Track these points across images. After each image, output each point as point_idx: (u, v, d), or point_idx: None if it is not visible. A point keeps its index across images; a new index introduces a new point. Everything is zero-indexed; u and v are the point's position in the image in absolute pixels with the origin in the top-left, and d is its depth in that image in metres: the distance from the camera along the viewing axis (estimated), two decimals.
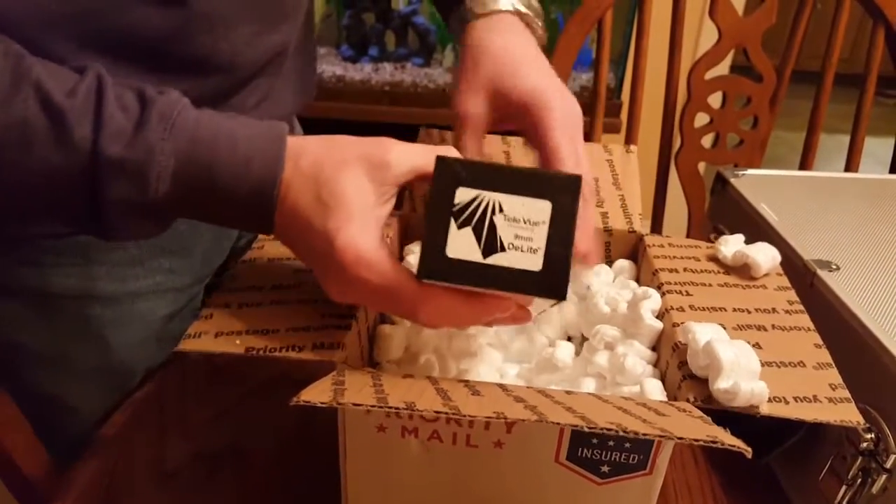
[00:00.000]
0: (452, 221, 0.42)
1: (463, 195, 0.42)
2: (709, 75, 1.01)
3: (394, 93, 1.88)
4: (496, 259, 0.42)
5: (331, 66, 1.91)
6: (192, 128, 0.44)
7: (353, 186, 0.43)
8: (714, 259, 0.60)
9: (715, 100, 1.02)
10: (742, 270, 0.58)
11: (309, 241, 0.44)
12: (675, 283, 0.56)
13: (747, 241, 0.60)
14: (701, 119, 1.03)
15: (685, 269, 0.58)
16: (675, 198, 1.07)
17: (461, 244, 0.42)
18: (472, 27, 0.61)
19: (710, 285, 0.57)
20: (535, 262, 0.41)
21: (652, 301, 0.53)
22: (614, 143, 0.71)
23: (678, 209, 1.08)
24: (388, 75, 1.88)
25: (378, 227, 0.44)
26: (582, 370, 0.53)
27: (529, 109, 0.55)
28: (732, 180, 0.77)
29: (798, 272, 0.62)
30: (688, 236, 1.08)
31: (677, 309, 0.52)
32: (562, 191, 0.42)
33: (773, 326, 0.52)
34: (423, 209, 0.45)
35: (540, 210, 0.42)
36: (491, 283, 0.41)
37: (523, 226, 0.42)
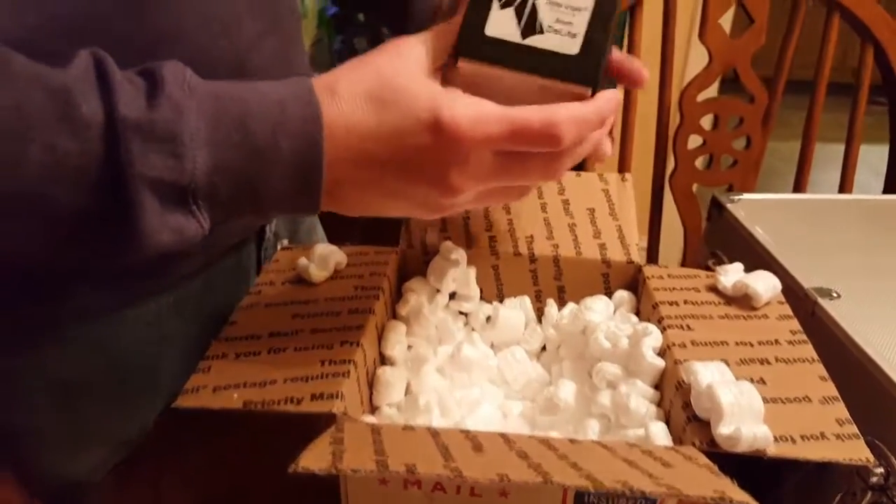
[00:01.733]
0: (496, 1, 0.42)
1: None
2: (700, 97, 1.01)
3: None
4: (534, 41, 0.41)
5: None
6: (210, 85, 0.39)
7: (402, 66, 0.42)
8: (714, 289, 0.59)
9: (707, 121, 1.02)
10: (743, 300, 0.58)
11: (398, 152, 0.41)
12: (676, 317, 0.55)
13: (746, 268, 0.60)
14: (694, 141, 1.03)
15: (685, 302, 0.57)
16: (669, 219, 1.07)
17: (501, 23, 0.41)
18: None
19: (712, 318, 0.56)
20: (572, 47, 0.41)
21: (653, 338, 0.52)
22: (609, 172, 0.71)
23: (674, 229, 1.08)
24: None
25: (453, 88, 0.42)
26: (585, 410, 0.52)
27: None
28: (728, 205, 0.76)
29: (799, 300, 0.61)
30: (684, 258, 1.07)
31: (679, 345, 0.52)
32: None
33: (777, 359, 0.51)
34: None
35: None
36: (525, 64, 0.41)
37: (565, 10, 0.41)
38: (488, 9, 0.42)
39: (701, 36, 0.99)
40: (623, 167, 1.01)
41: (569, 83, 0.42)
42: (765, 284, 0.57)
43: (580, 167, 0.72)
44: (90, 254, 0.42)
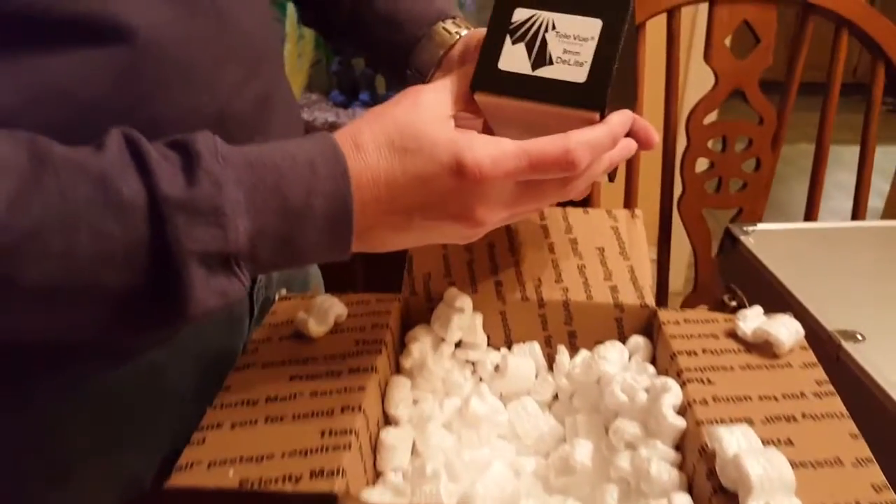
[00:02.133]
0: (508, 38, 0.45)
1: (520, 14, 0.46)
2: (707, 119, 0.98)
3: None
4: (544, 72, 0.45)
5: (322, 113, 1.88)
6: (241, 153, 0.41)
7: (420, 115, 0.44)
8: (733, 335, 0.57)
9: (715, 144, 0.99)
10: (764, 347, 0.55)
11: (424, 196, 0.43)
12: (696, 369, 0.52)
13: (764, 303, 0.57)
14: (701, 164, 1.00)
15: (704, 351, 0.54)
16: (677, 239, 1.04)
17: (513, 57, 0.45)
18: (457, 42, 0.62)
19: (733, 368, 0.53)
20: (579, 75, 0.44)
21: (672, 395, 0.49)
22: (618, 209, 0.68)
23: (683, 254, 1.05)
24: None
25: (467, 130, 0.44)
26: (603, 473, 0.49)
27: None
28: (742, 238, 0.73)
29: (822, 343, 0.59)
30: (695, 284, 1.05)
31: (700, 402, 0.49)
32: (613, 10, 0.44)
33: (804, 415, 0.48)
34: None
35: (590, 27, 0.44)
36: (536, 94, 0.44)
37: (573, 41, 0.44)
38: (501, 45, 0.45)
39: (706, 57, 0.96)
40: (629, 192, 0.98)
41: (578, 109, 0.44)
42: (787, 331, 0.54)
43: (585, 202, 0.69)
44: (136, 329, 0.42)
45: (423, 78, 0.64)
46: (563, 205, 0.96)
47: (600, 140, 0.45)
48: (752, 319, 0.56)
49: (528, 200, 0.47)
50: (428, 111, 0.45)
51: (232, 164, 0.40)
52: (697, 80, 0.98)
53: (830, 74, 0.98)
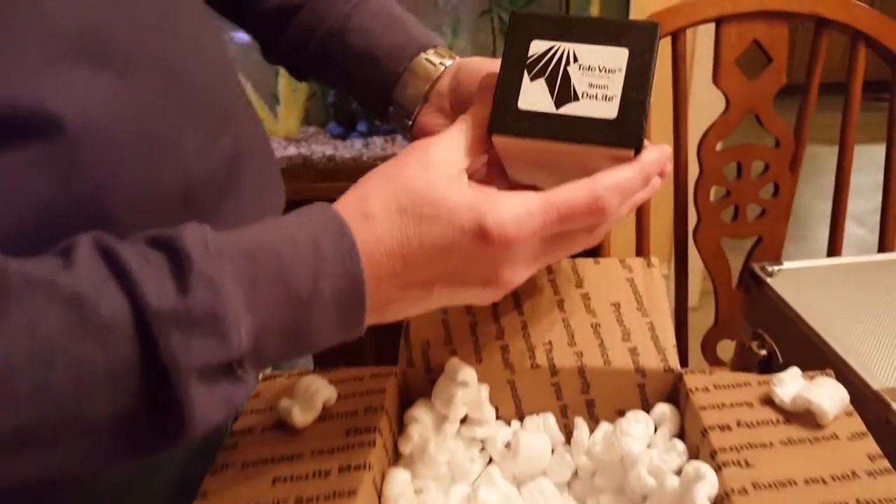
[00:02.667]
0: (525, 74, 0.42)
1: (537, 47, 0.42)
2: (720, 146, 0.93)
3: None
4: (569, 109, 0.41)
5: (320, 146, 1.84)
6: (236, 242, 0.37)
7: (434, 175, 0.41)
8: (769, 402, 0.51)
9: (729, 170, 0.94)
10: (805, 416, 0.49)
11: (446, 266, 0.40)
12: (731, 449, 0.46)
13: (796, 354, 0.51)
14: (717, 192, 0.94)
15: (739, 424, 0.49)
16: (692, 255, 0.98)
17: (534, 96, 0.41)
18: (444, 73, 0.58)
19: (772, 445, 0.47)
20: (609, 110, 0.41)
21: (707, 484, 0.43)
22: (631, 258, 0.62)
23: (697, 266, 0.99)
24: (378, 149, 1.81)
25: (485, 188, 0.41)
26: None
27: None
28: (768, 280, 0.67)
29: (867, 403, 0.53)
30: (716, 321, 0.99)
31: (739, 491, 0.43)
32: (640, 37, 0.41)
33: (858, 502, 0.42)
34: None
35: (617, 58, 0.41)
36: (563, 134, 0.41)
37: (598, 74, 0.41)
38: (519, 83, 0.42)
39: (715, 79, 0.91)
40: (641, 228, 0.93)
41: (610, 148, 0.41)
42: (830, 398, 0.48)
43: (595, 252, 0.64)
44: (132, 456, 0.37)
45: (408, 114, 0.59)
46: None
47: (632, 182, 0.42)
48: (789, 384, 0.50)
49: (555, 252, 0.45)
50: (441, 169, 0.41)
51: (227, 258, 0.36)
52: (700, 103, 0.93)
53: (848, 91, 0.93)
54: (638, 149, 0.41)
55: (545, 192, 0.41)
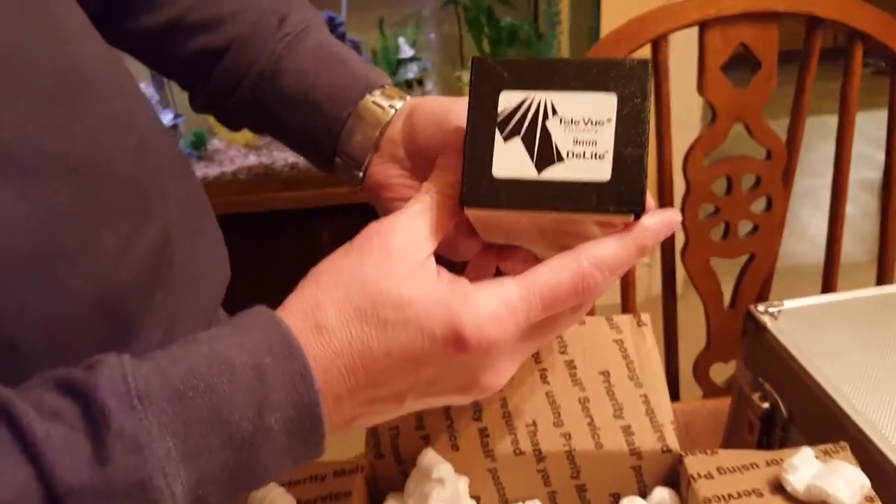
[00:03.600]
0: (497, 133, 0.36)
1: (508, 100, 0.36)
2: (707, 160, 0.88)
3: None
4: (553, 172, 0.36)
5: (282, 153, 1.77)
6: (161, 383, 0.32)
7: (395, 270, 0.36)
8: (780, 489, 0.46)
9: (718, 185, 0.89)
10: None
11: (416, 376, 0.36)
12: None
13: (802, 409, 0.47)
14: (705, 209, 0.90)
15: None
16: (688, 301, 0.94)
17: (510, 159, 0.36)
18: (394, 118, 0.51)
19: None
20: (601, 171, 0.35)
21: None
22: (619, 316, 0.57)
23: (693, 308, 0.95)
24: None
25: (456, 279, 0.37)
26: None
27: None
28: (769, 325, 0.63)
29: (888, 481, 0.48)
30: (708, 344, 0.95)
31: None
32: (628, 79, 0.35)
33: None
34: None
35: (603, 106, 0.35)
36: (549, 203, 0.36)
37: (584, 127, 0.36)
38: (491, 144, 0.36)
39: (700, 89, 0.86)
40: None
41: (606, 214, 0.36)
42: (848, 487, 0.44)
43: None
44: None
45: (357, 165, 0.53)
46: None
47: (624, 258, 0.37)
48: (803, 469, 0.46)
49: (538, 341, 0.40)
50: (404, 261, 0.36)
51: (153, 405, 0.31)
52: (679, 114, 0.88)
53: (844, 93, 0.88)
54: (639, 213, 0.36)
55: (524, 277, 0.37)
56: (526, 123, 0.36)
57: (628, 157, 0.35)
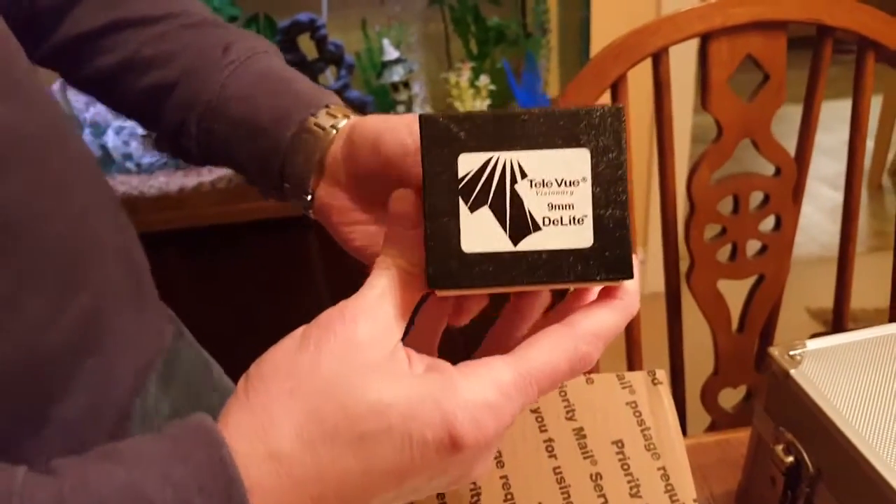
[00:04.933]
0: (461, 203, 0.32)
1: (468, 164, 0.32)
2: (713, 178, 0.82)
3: None
4: (531, 243, 0.32)
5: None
6: None
7: (366, 367, 0.30)
8: None
9: (724, 204, 0.84)
10: None
11: (400, 485, 0.31)
12: None
13: (827, 461, 0.42)
14: (711, 230, 0.84)
15: None
16: (694, 324, 0.88)
17: (480, 231, 0.32)
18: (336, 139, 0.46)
19: None
20: (583, 237, 0.32)
21: None
22: (632, 373, 0.52)
23: (699, 331, 0.89)
24: None
25: (434, 364, 0.33)
26: None
27: None
28: (792, 372, 0.57)
29: None
30: (716, 369, 0.89)
31: None
32: (601, 130, 0.32)
33: None
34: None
35: (576, 163, 0.32)
36: (530, 278, 0.32)
37: (558, 189, 0.33)
38: (456, 215, 0.32)
39: (705, 103, 0.81)
40: None
41: (594, 283, 0.34)
42: None
43: None
44: None
45: (303, 188, 0.48)
46: None
47: (616, 327, 0.34)
48: None
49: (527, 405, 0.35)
50: (374, 355, 0.31)
51: None
52: (678, 131, 0.82)
53: (855, 106, 0.83)
54: (630, 275, 0.33)
55: (517, 359, 0.33)
56: (493, 189, 0.32)
57: (610, 219, 0.32)
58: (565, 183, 0.32)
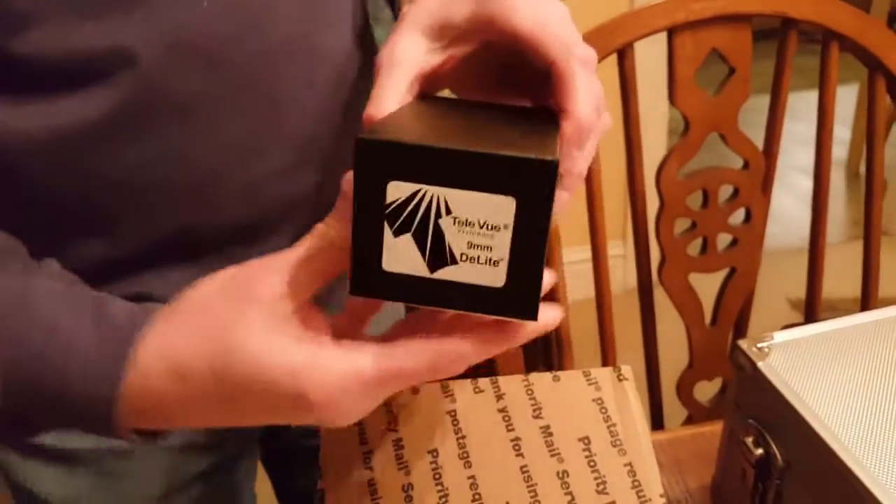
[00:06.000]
0: (386, 226, 0.34)
1: (398, 191, 0.33)
2: (682, 172, 0.83)
3: None
4: (446, 273, 0.34)
5: None
6: None
7: (255, 322, 0.36)
8: None
9: (693, 199, 0.84)
10: None
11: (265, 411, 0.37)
12: None
13: (800, 456, 0.42)
14: (681, 224, 0.84)
15: None
16: (668, 319, 0.89)
17: (400, 255, 0.34)
18: None
19: None
20: (495, 277, 0.34)
21: None
22: (598, 369, 0.52)
23: (674, 328, 0.90)
24: None
25: (306, 322, 0.37)
26: None
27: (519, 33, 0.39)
28: (760, 364, 0.57)
29: None
30: (690, 363, 0.90)
31: None
32: (530, 181, 0.32)
33: None
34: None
35: (501, 210, 0.33)
36: (440, 300, 0.35)
37: (479, 231, 0.33)
38: (380, 236, 0.33)
39: (672, 98, 0.81)
40: (599, 272, 0.82)
41: (500, 317, 0.35)
42: None
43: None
44: None
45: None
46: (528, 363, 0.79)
47: (486, 354, 0.36)
48: None
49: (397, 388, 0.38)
50: (266, 310, 0.36)
51: None
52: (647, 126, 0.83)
53: (821, 99, 0.83)
54: (533, 318, 0.35)
55: (384, 354, 0.36)
56: (417, 220, 0.33)
57: (524, 266, 0.33)
58: (487, 226, 0.33)
